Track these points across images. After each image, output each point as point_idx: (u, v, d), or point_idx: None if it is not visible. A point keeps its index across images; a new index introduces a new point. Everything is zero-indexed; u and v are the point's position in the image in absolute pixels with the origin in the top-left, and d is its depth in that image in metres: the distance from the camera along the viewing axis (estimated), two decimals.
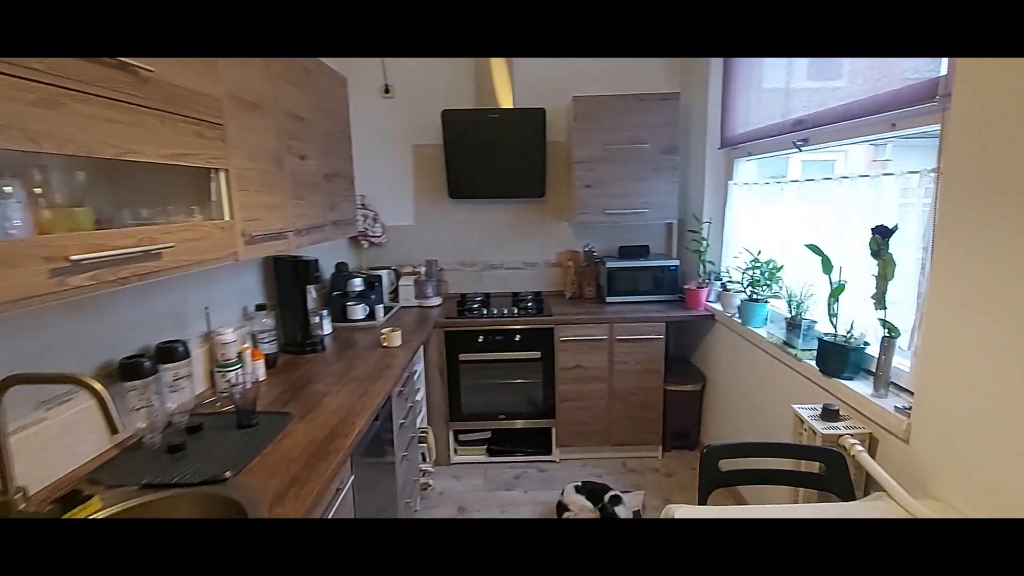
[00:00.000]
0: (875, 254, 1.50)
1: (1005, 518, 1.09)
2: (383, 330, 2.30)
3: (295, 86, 1.88)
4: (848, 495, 1.43)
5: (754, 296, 2.29)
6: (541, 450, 2.89)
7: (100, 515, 1.06)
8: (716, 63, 2.65)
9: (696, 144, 2.83)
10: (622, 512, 2.24)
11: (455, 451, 2.90)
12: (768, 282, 2.24)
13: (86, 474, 1.21)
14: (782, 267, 2.20)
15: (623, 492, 2.40)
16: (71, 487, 1.14)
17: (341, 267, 2.72)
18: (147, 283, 1.38)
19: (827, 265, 1.71)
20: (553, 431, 2.84)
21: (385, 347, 2.24)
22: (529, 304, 2.89)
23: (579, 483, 2.43)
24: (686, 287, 2.79)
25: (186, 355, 1.52)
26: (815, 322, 1.92)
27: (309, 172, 1.97)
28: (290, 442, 1.39)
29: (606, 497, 2.31)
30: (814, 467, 1.52)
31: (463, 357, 2.75)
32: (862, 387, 1.61)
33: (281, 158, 1.73)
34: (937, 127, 1.39)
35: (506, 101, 2.93)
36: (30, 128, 0.82)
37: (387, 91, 3.08)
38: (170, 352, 1.47)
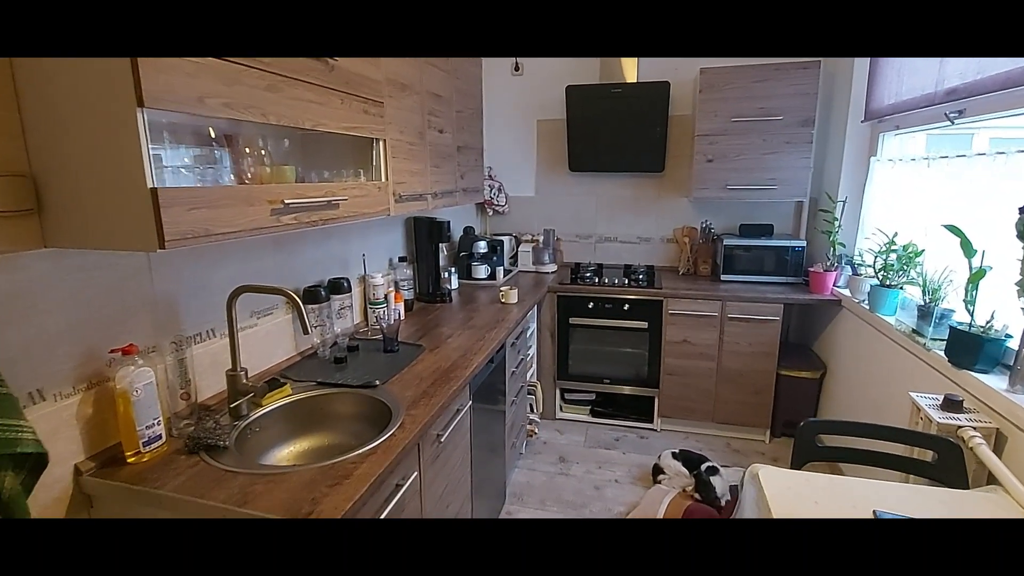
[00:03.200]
0: (1021, 235, 1.36)
1: None
2: (502, 288, 2.56)
3: (437, 68, 2.15)
4: (962, 487, 1.37)
5: (886, 282, 2.13)
6: (643, 417, 2.99)
7: (290, 399, 1.44)
8: None
9: (837, 116, 2.63)
10: (718, 483, 2.28)
11: (561, 407, 3.12)
12: (905, 267, 2.07)
13: (280, 370, 1.62)
14: (922, 251, 2.02)
15: (722, 466, 2.43)
16: (271, 376, 1.55)
17: (468, 230, 3.03)
18: (328, 228, 1.75)
19: (968, 248, 1.58)
20: (656, 400, 2.92)
21: (503, 303, 2.49)
22: (641, 276, 2.96)
23: (676, 450, 2.50)
24: (811, 270, 2.65)
25: (348, 290, 1.90)
26: (952, 311, 1.77)
27: (445, 144, 2.26)
28: (422, 367, 1.69)
29: (703, 467, 2.36)
30: (926, 455, 1.47)
31: (573, 321, 2.93)
32: (996, 381, 1.49)
33: (423, 131, 2.02)
34: None
35: (631, 75, 2.97)
36: (263, 107, 1.14)
37: (516, 68, 3.28)
38: (338, 286, 1.86)
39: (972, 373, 1.55)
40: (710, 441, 2.85)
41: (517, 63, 3.28)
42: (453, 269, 2.76)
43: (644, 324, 2.82)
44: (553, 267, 3.25)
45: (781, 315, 2.62)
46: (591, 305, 2.88)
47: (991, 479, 1.39)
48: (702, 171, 2.82)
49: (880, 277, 2.16)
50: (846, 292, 2.49)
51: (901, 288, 2.11)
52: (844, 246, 2.56)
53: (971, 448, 1.39)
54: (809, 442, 1.52)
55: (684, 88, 2.98)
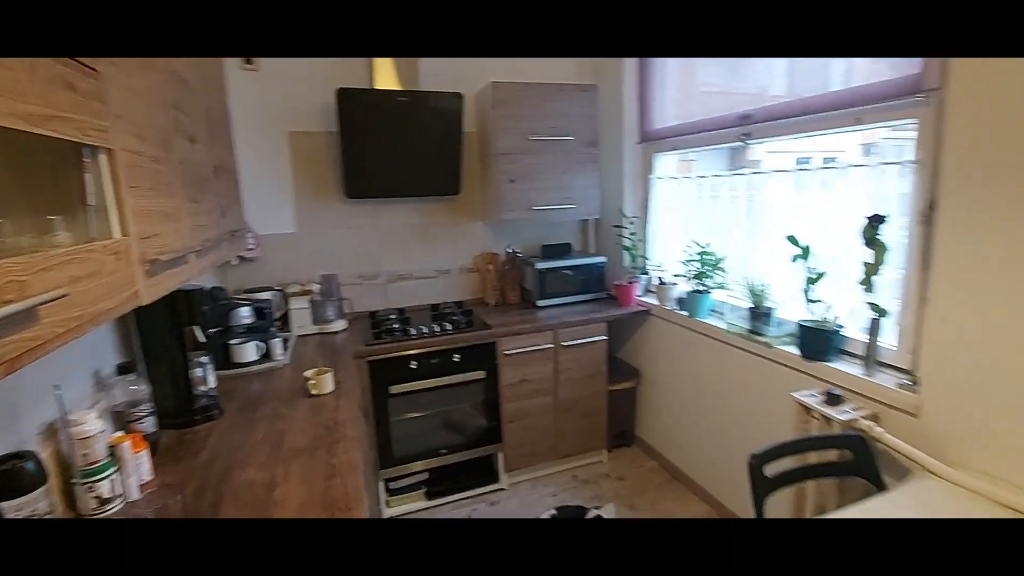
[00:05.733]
0: (869, 242, 1.55)
1: None
2: (308, 373, 1.74)
3: None
4: (877, 480, 1.46)
5: (700, 288, 2.31)
6: (488, 479, 2.56)
7: None
8: (631, 60, 2.62)
9: (614, 138, 2.78)
10: None
11: (387, 504, 2.40)
12: (712, 273, 2.27)
13: None
14: (723, 258, 2.25)
15: (595, 507, 2.24)
16: None
17: (216, 294, 2.02)
18: None
19: (805, 254, 1.76)
20: (500, 456, 2.54)
21: (315, 395, 1.69)
22: (457, 317, 2.52)
23: (554, 510, 2.19)
24: (616, 284, 2.73)
25: (40, 478, 0.87)
26: (774, 309, 1.99)
27: (199, 162, 1.35)
28: None
29: (588, 517, 2.12)
30: (829, 455, 1.54)
31: (395, 390, 2.27)
32: (848, 368, 1.68)
33: (169, 138, 1.12)
34: (910, 121, 1.49)
35: (394, 82, 2.51)
36: None
37: (248, 62, 2.39)
38: (13, 478, 0.82)
39: (827, 364, 1.72)
40: (558, 480, 2.65)
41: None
42: (207, 359, 1.74)
43: (481, 373, 2.41)
44: (342, 323, 2.49)
45: (607, 333, 2.61)
46: (414, 364, 2.29)
47: (895, 466, 1.53)
48: (506, 192, 2.58)
49: (694, 284, 2.33)
50: (651, 301, 2.64)
51: (710, 292, 2.31)
52: (647, 258, 2.72)
53: (874, 438, 1.51)
54: (761, 475, 1.42)
55: (468, 102, 2.67)
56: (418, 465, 2.41)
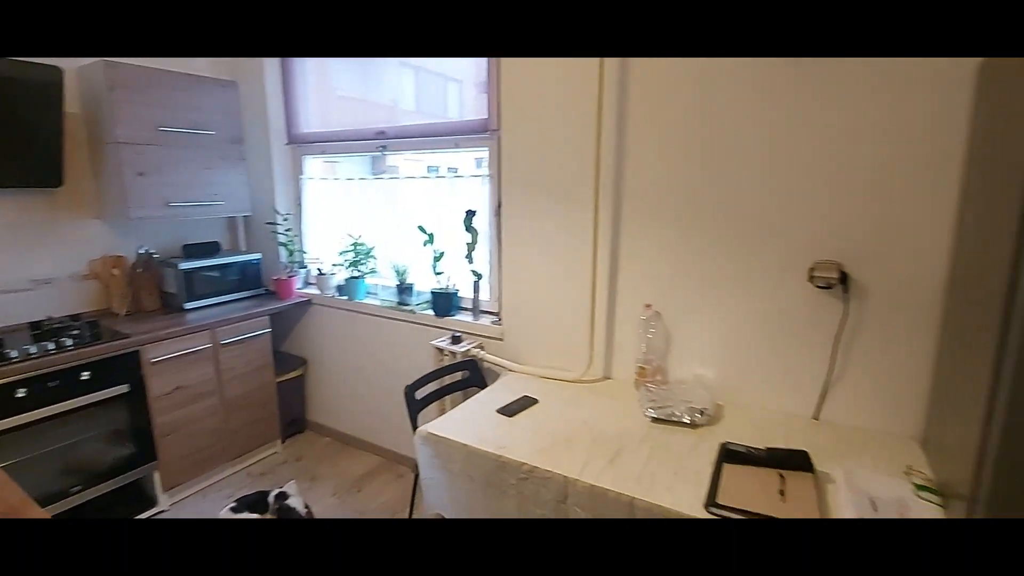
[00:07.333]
0: (467, 228, 2.27)
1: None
2: None
3: None
4: (484, 384, 2.19)
5: (357, 274, 2.70)
6: (138, 507, 2.27)
7: None
8: (271, 61, 2.77)
9: (261, 137, 2.84)
10: (296, 503, 2.22)
11: None
12: (365, 260, 2.70)
13: None
14: (373, 248, 2.71)
15: (277, 488, 2.34)
16: None
17: None
18: None
19: (431, 239, 2.38)
20: (156, 476, 2.29)
21: None
22: (77, 331, 2.13)
23: (233, 504, 2.17)
24: (274, 279, 2.83)
25: None
26: (414, 284, 2.57)
27: None
28: None
29: (271, 498, 2.21)
30: (457, 376, 2.20)
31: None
32: (464, 317, 2.40)
33: None
34: (486, 148, 2.27)
35: None
36: None
37: None
38: None
39: (451, 318, 2.40)
40: (232, 480, 2.58)
41: None
42: None
43: (123, 387, 2.12)
44: None
45: (270, 326, 2.69)
46: (23, 392, 1.85)
47: (494, 373, 2.28)
48: (135, 186, 2.32)
49: (352, 272, 2.70)
50: (313, 291, 2.88)
51: (364, 277, 2.73)
52: (305, 252, 2.91)
53: (481, 359, 2.23)
54: (414, 399, 1.92)
55: (69, 77, 2.24)
56: (47, 510, 1.94)
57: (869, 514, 1.13)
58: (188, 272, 2.55)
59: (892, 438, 1.51)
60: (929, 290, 1.44)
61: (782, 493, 1.21)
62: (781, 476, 1.27)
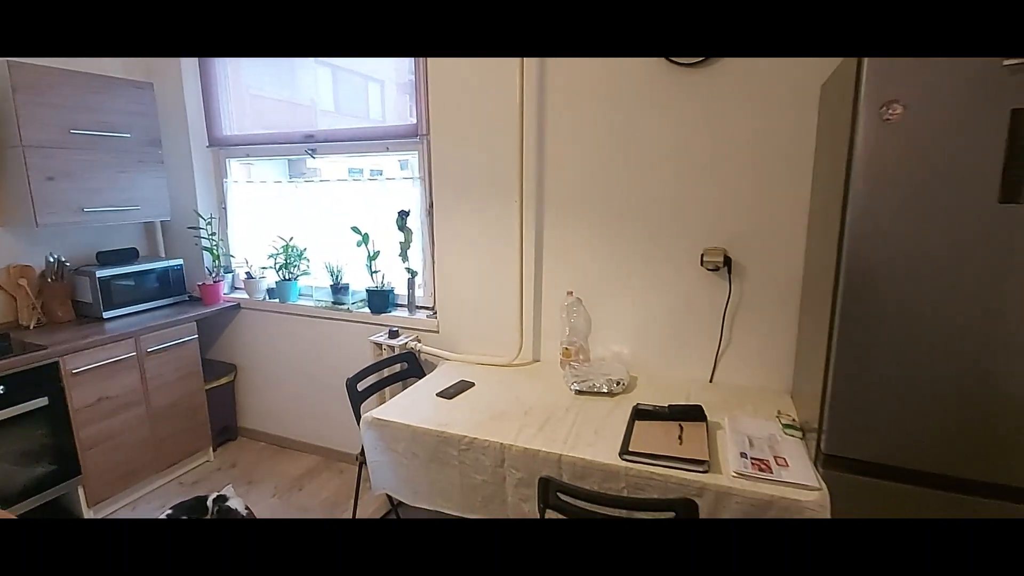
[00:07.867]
0: (400, 228, 2.38)
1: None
2: None
3: None
4: (422, 374, 2.31)
5: (288, 276, 2.72)
6: None
7: None
8: (188, 62, 2.72)
9: (180, 140, 2.77)
10: (236, 504, 2.23)
11: None
12: (296, 262, 2.73)
13: None
14: (305, 249, 2.74)
15: (215, 493, 2.33)
16: None
17: None
18: None
19: (365, 239, 2.47)
20: (81, 491, 2.20)
21: None
22: None
23: (169, 511, 2.14)
24: (200, 284, 2.78)
25: None
26: (349, 283, 2.64)
27: None
28: None
29: (209, 503, 2.20)
30: (396, 368, 2.31)
31: None
32: (401, 313, 2.51)
33: None
34: (416, 152, 2.40)
35: None
36: None
37: None
38: None
39: (387, 314, 2.50)
40: (163, 492, 2.52)
41: None
42: None
43: (42, 401, 2.03)
44: None
45: (197, 332, 2.64)
46: None
47: (431, 363, 2.41)
48: (44, 191, 2.21)
49: (282, 274, 2.71)
50: (241, 296, 2.85)
51: (297, 279, 2.76)
52: (231, 256, 2.86)
53: (419, 351, 2.35)
54: (356, 391, 2.01)
55: None
56: None
57: (747, 449, 1.40)
58: (105, 280, 2.45)
59: (771, 392, 1.83)
60: (793, 268, 1.76)
61: (680, 439, 1.46)
62: (680, 426, 1.52)
